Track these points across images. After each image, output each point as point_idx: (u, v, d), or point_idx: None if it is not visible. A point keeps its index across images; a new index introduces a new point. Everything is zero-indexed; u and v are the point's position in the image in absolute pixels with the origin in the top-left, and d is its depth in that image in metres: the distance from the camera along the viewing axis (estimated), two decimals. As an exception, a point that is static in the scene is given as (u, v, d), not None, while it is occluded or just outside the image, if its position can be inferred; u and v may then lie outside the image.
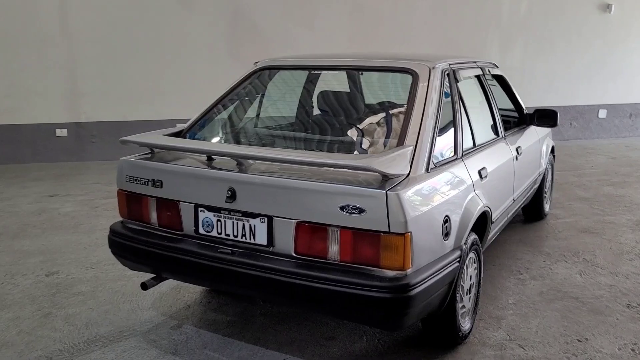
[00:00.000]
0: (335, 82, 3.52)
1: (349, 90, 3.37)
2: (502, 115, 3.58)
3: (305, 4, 7.63)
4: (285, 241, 2.28)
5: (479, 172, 2.83)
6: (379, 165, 2.10)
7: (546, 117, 3.93)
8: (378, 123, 2.97)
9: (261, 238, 2.34)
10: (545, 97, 8.28)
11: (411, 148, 2.34)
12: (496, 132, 3.43)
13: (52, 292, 3.34)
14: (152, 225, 2.64)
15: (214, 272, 2.41)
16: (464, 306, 2.66)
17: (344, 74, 3.40)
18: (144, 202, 2.63)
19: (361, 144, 2.82)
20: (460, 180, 2.62)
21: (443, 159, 2.56)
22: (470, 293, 2.75)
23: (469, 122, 2.95)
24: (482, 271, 2.89)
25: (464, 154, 2.76)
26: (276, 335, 2.81)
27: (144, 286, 2.70)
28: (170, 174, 2.55)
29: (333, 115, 3.20)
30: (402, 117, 2.57)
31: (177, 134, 2.92)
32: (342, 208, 2.13)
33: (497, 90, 3.79)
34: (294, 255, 2.28)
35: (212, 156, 2.56)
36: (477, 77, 3.41)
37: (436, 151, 2.47)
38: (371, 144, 2.78)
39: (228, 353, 2.66)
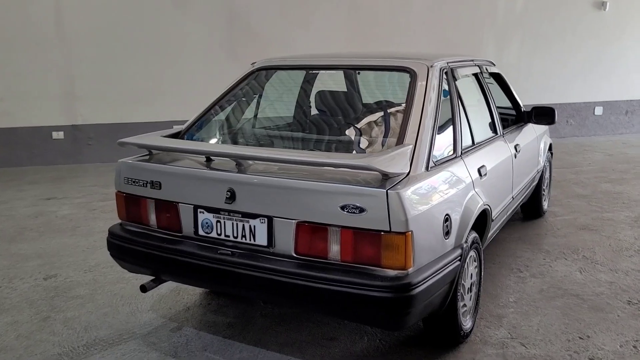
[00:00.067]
0: (332, 82, 3.52)
1: (346, 90, 3.36)
2: (499, 113, 3.58)
3: (301, 4, 7.62)
4: (286, 242, 2.27)
5: (479, 170, 2.83)
6: (379, 164, 2.09)
7: (544, 115, 3.93)
8: (377, 122, 2.96)
9: (261, 239, 2.32)
10: (541, 95, 8.29)
11: (411, 147, 2.33)
12: (494, 130, 3.43)
13: (50, 296, 3.32)
14: (151, 227, 2.62)
15: (214, 273, 2.40)
16: (465, 305, 2.66)
17: (341, 73, 3.39)
18: (143, 203, 2.61)
19: (360, 143, 2.81)
20: (460, 179, 2.61)
21: (443, 157, 2.55)
22: (471, 292, 2.74)
23: (467, 120, 2.94)
24: (482, 269, 2.89)
25: (463, 152, 2.75)
26: (277, 337, 2.80)
27: (143, 289, 2.69)
28: (169, 176, 2.54)
29: (331, 115, 3.19)
30: (400, 116, 2.56)
31: (175, 136, 2.91)
32: (342, 208, 2.12)
33: (494, 88, 3.78)
34: (295, 255, 2.27)
35: (211, 157, 2.54)
36: (475, 75, 3.41)
37: (436, 150, 2.46)
38: (370, 143, 2.77)
39: (228, 355, 2.65)
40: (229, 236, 2.40)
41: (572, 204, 5.15)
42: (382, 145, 2.65)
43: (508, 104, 4.12)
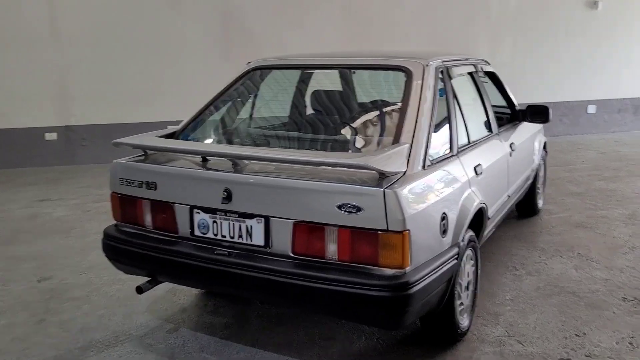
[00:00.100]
0: (327, 81, 3.51)
1: (341, 89, 3.35)
2: (494, 112, 3.59)
3: (296, 4, 7.61)
4: (283, 241, 2.26)
5: (475, 169, 2.83)
6: (376, 163, 2.09)
7: (538, 113, 3.94)
8: (373, 121, 2.96)
9: (258, 239, 2.32)
10: (534, 93, 8.31)
11: (407, 146, 2.33)
12: (490, 129, 3.43)
13: (45, 298, 3.30)
14: (147, 228, 2.61)
15: (211, 274, 2.39)
16: (462, 303, 2.66)
17: (336, 73, 3.39)
18: (138, 204, 2.60)
19: (356, 142, 2.81)
20: (457, 177, 2.61)
21: (439, 156, 2.55)
22: (468, 290, 2.75)
23: (463, 119, 2.94)
24: (479, 268, 2.89)
25: (459, 150, 2.75)
26: (274, 337, 2.79)
27: (139, 290, 2.68)
28: (165, 176, 2.52)
29: (327, 115, 3.19)
30: (396, 115, 2.56)
31: (171, 136, 2.89)
32: (339, 207, 2.12)
33: (489, 87, 3.79)
34: (292, 255, 2.26)
35: (207, 157, 2.53)
36: (470, 74, 3.41)
37: (432, 148, 2.46)
38: (366, 143, 2.77)
39: (226, 356, 2.64)
40: (225, 236, 2.39)
41: (567, 201, 5.17)
42: (378, 145, 2.65)
43: (503, 102, 4.13)
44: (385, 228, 2.08)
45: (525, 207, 4.60)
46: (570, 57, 8.79)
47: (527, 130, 4.17)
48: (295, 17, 7.60)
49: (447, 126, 2.74)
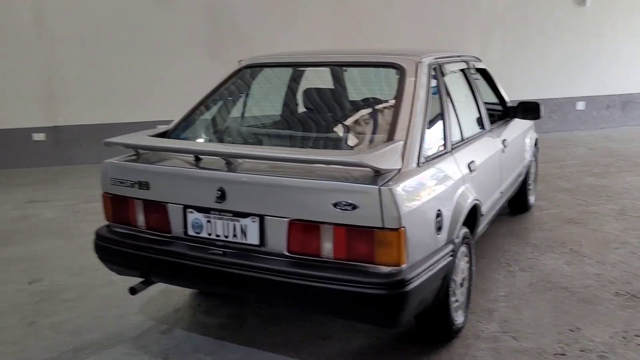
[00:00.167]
0: (318, 79, 3.49)
1: (333, 87, 3.34)
2: (486, 109, 3.59)
3: (285, 2, 7.58)
4: (278, 240, 2.25)
5: (468, 166, 2.83)
6: (371, 160, 2.08)
7: (529, 110, 3.96)
8: (366, 119, 2.95)
9: (253, 238, 2.30)
10: (524, 90, 8.34)
11: (402, 143, 2.32)
12: (482, 126, 3.44)
13: (35, 300, 3.26)
14: (140, 228, 2.58)
15: (205, 273, 2.37)
16: (457, 300, 2.66)
17: (327, 71, 3.37)
18: (131, 204, 2.57)
19: (349, 140, 2.80)
20: (451, 174, 2.61)
21: (433, 153, 2.55)
22: (462, 286, 2.75)
23: (456, 116, 2.95)
24: (473, 264, 2.90)
25: (453, 147, 2.75)
26: (270, 337, 2.78)
27: (133, 291, 2.65)
28: (157, 175, 2.50)
29: (318, 113, 3.17)
30: (390, 112, 2.55)
31: (162, 135, 2.86)
32: (335, 205, 2.11)
33: (480, 84, 3.80)
34: (287, 254, 2.25)
35: (200, 156, 2.51)
36: (462, 70, 3.41)
37: (426, 145, 2.46)
38: (360, 140, 2.76)
39: (221, 356, 2.62)
40: (219, 236, 2.37)
41: (558, 197, 5.20)
42: (372, 142, 2.64)
43: (494, 99, 4.14)
44: (381, 225, 2.07)
45: (517, 203, 4.62)
46: (559, 54, 8.84)
47: (519, 127, 4.19)
48: (285, 15, 7.57)
49: (440, 123, 2.73)
